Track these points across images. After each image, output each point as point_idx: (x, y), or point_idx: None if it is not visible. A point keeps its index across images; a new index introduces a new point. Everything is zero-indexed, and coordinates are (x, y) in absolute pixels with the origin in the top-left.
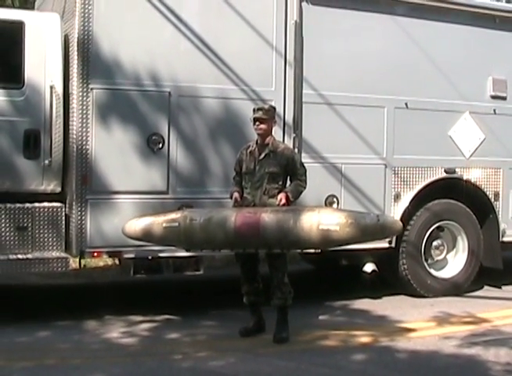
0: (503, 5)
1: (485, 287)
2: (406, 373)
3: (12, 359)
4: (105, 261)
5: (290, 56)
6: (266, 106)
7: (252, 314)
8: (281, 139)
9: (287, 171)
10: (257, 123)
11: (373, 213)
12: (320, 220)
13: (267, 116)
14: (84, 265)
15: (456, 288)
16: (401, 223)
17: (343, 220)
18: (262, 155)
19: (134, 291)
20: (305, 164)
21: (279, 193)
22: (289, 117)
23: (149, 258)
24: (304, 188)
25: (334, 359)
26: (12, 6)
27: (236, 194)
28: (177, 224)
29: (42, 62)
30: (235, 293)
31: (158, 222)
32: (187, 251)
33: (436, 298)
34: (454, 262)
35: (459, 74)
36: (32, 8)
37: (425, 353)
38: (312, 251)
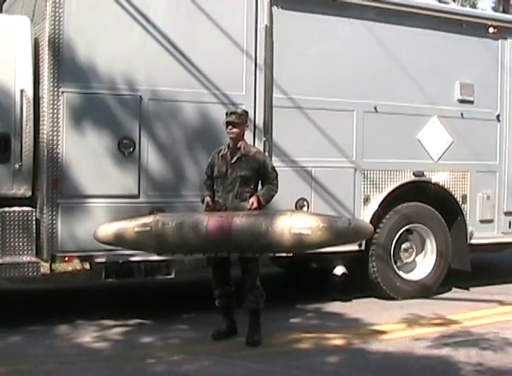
0: (470, 10)
1: (454, 289)
2: (379, 374)
3: None
4: (73, 265)
5: (261, 60)
6: (239, 111)
7: (224, 317)
8: (251, 143)
9: (259, 175)
10: (230, 127)
11: (345, 217)
12: (292, 224)
13: (239, 120)
14: (53, 270)
15: (425, 290)
16: (372, 227)
17: (315, 224)
18: (234, 159)
19: (104, 295)
20: (276, 168)
21: (250, 196)
22: (259, 121)
23: (120, 262)
24: (276, 192)
25: (308, 362)
26: None
27: (207, 198)
28: (149, 228)
29: (12, 65)
30: (206, 296)
31: (130, 226)
32: (159, 255)
33: (405, 301)
34: (423, 264)
35: (427, 79)
36: (0, 11)
37: (397, 355)
38: (284, 254)
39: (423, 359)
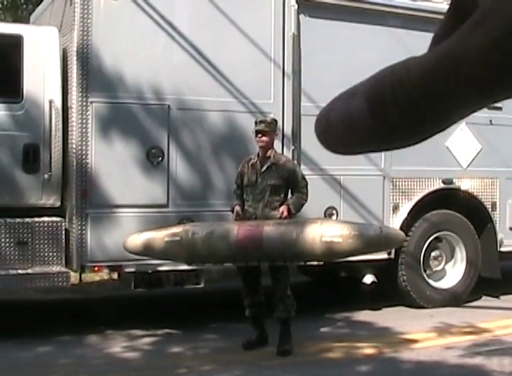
0: None
1: (484, 297)
2: None
3: None
4: (101, 275)
5: (289, 68)
6: (268, 119)
7: (254, 327)
8: (280, 152)
9: (289, 184)
10: (260, 135)
11: (376, 224)
12: (323, 232)
13: (269, 128)
14: (81, 280)
15: (455, 299)
16: (403, 234)
17: (346, 232)
18: (264, 168)
19: (133, 305)
20: (305, 177)
21: (280, 205)
22: (288, 130)
23: (150, 271)
24: (306, 201)
25: (339, 372)
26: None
27: (237, 207)
28: (178, 238)
29: (41, 76)
30: (236, 306)
31: (159, 236)
32: (188, 265)
33: (435, 309)
34: (452, 272)
35: None
36: (27, 22)
37: (429, 364)
38: (315, 263)
39: (455, 368)
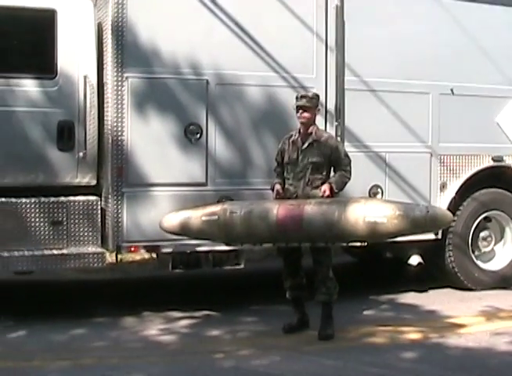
0: None
1: None
2: (460, 372)
3: (48, 359)
4: (141, 255)
5: (331, 42)
6: (310, 94)
7: (295, 310)
8: (323, 128)
9: (331, 162)
10: (301, 111)
11: (422, 204)
12: (366, 212)
13: (310, 104)
14: (121, 260)
15: (504, 281)
16: (451, 215)
17: (390, 212)
18: (305, 144)
19: (171, 285)
20: (348, 154)
21: (322, 184)
22: (331, 105)
23: (188, 252)
24: (349, 179)
25: (383, 358)
26: None
27: (277, 186)
28: (216, 217)
29: (75, 51)
30: (276, 287)
31: (197, 215)
32: (227, 245)
33: (484, 291)
34: (502, 253)
35: (506, 59)
36: None
37: (478, 351)
38: (358, 244)
39: (506, 356)
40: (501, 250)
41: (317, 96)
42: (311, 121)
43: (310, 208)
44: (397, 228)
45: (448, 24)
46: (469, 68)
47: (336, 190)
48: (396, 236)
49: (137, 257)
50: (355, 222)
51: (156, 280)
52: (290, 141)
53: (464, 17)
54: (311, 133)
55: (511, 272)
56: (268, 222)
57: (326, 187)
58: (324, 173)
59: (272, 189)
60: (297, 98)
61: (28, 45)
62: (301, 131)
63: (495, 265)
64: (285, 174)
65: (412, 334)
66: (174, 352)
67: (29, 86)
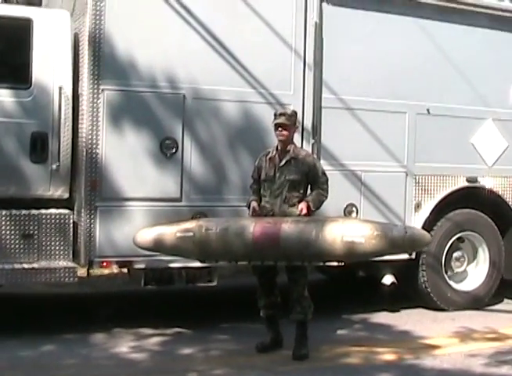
0: None
1: (506, 301)
2: None
3: None
4: (111, 269)
5: (310, 59)
6: (288, 111)
7: (269, 329)
8: (299, 145)
9: (308, 179)
10: (280, 129)
11: (401, 225)
12: (344, 231)
13: (289, 122)
14: (88, 275)
15: (476, 301)
16: (429, 236)
17: (368, 232)
18: (283, 162)
19: (142, 301)
20: (326, 172)
21: (299, 201)
22: (307, 122)
23: (161, 268)
24: (326, 197)
25: None
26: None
27: (253, 203)
28: (192, 234)
29: (51, 61)
30: (248, 304)
31: (171, 231)
32: (201, 262)
33: (456, 312)
34: (475, 274)
35: (483, 80)
36: (39, 4)
37: (454, 372)
38: (335, 263)
39: None
40: (474, 270)
41: (295, 114)
42: (290, 139)
43: (287, 227)
44: (375, 248)
45: (426, 44)
46: (445, 88)
47: (313, 209)
48: (374, 257)
49: (105, 271)
50: (332, 241)
51: (125, 296)
52: (268, 158)
53: (442, 38)
54: (289, 150)
55: (483, 292)
56: (244, 239)
57: (303, 205)
58: (301, 191)
59: (248, 207)
60: (275, 115)
61: (2, 54)
62: (279, 148)
63: (467, 285)
64: (261, 191)
65: (387, 355)
66: (146, 370)
67: (2, 96)
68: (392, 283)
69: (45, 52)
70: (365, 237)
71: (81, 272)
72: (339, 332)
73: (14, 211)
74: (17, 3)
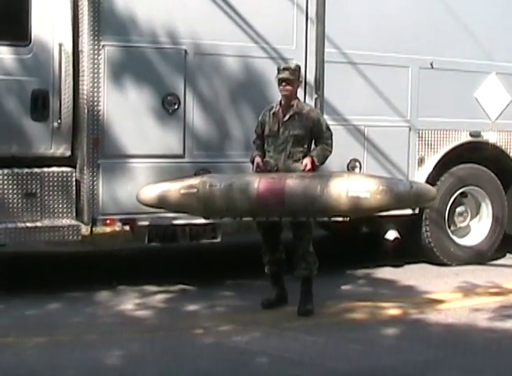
0: None
1: (508, 255)
2: (443, 348)
3: (24, 336)
4: (112, 227)
5: (312, 13)
6: (292, 66)
7: (274, 285)
8: (302, 100)
9: (312, 135)
10: (284, 84)
11: (406, 180)
12: (349, 186)
13: (293, 76)
14: (92, 233)
15: (479, 256)
16: (435, 191)
17: (374, 187)
18: (287, 117)
19: (146, 258)
20: (330, 127)
21: (303, 157)
22: (310, 77)
23: (164, 225)
24: (331, 152)
25: (365, 334)
26: None
27: (257, 158)
28: (195, 190)
29: (50, 17)
30: (253, 261)
31: (175, 188)
32: (205, 218)
33: (459, 267)
34: (478, 229)
35: (486, 33)
36: None
37: (459, 327)
38: (340, 219)
39: (487, 333)
40: (477, 225)
41: (299, 68)
42: (294, 94)
43: (292, 182)
44: (380, 203)
45: (428, 1)
46: (449, 42)
47: (317, 164)
48: (379, 212)
49: (107, 229)
50: (337, 196)
51: (129, 254)
52: (271, 113)
53: None
54: (292, 105)
55: (486, 247)
56: (248, 195)
57: (307, 160)
58: (305, 146)
59: (252, 162)
60: (279, 70)
61: (1, 10)
62: (283, 103)
63: (470, 240)
64: (265, 146)
65: (392, 310)
66: (152, 328)
67: (2, 53)
68: (396, 239)
69: (45, 8)
70: (370, 192)
71: (84, 230)
72: (343, 288)
73: (16, 170)
74: None
